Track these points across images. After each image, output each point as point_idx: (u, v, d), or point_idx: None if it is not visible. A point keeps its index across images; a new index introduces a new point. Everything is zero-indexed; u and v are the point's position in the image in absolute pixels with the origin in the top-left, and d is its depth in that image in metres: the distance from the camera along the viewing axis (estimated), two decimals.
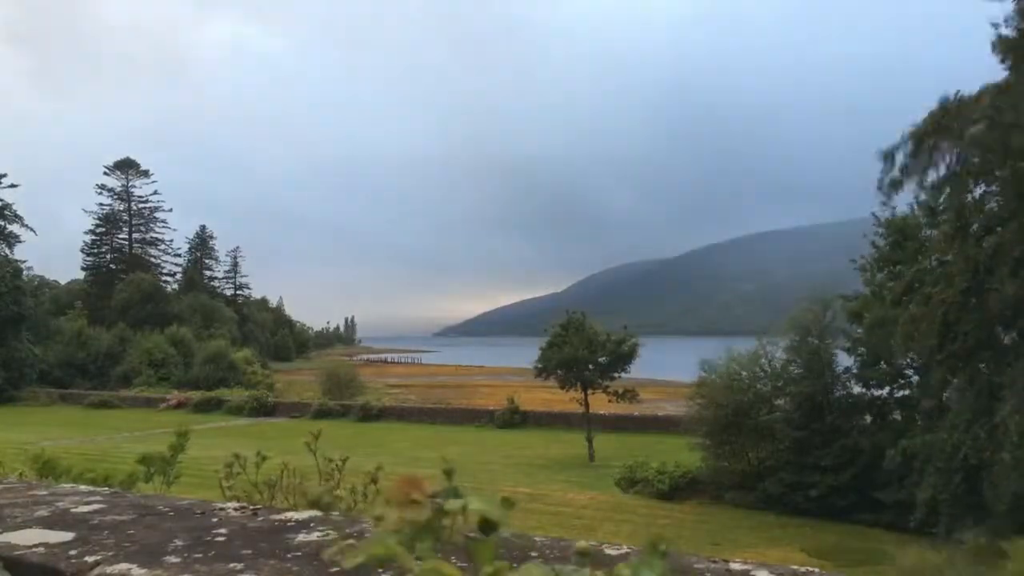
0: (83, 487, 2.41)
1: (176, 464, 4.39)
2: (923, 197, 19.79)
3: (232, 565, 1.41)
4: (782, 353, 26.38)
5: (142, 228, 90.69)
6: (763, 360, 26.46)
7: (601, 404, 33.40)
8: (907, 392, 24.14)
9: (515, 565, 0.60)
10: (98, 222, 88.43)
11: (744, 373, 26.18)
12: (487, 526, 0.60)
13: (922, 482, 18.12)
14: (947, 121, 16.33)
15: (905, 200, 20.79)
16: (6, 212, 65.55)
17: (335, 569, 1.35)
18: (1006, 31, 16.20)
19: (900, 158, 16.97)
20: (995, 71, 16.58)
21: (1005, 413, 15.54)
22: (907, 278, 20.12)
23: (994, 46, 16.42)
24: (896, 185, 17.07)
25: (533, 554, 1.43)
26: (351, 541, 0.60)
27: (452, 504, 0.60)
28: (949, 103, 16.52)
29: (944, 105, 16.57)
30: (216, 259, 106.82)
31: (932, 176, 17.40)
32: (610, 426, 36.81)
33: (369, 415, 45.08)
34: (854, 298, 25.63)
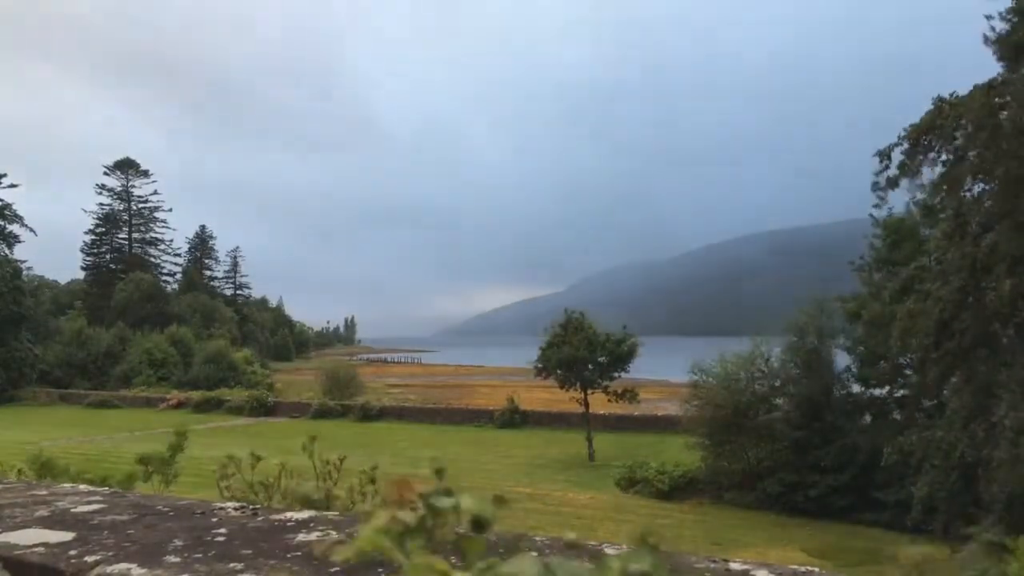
0: (83, 487, 2.41)
1: (174, 464, 4.40)
2: (919, 196, 19.79)
3: (232, 565, 1.41)
4: (778, 353, 26.35)
5: (142, 228, 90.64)
6: (759, 360, 26.44)
7: (601, 404, 33.37)
8: (906, 391, 24.13)
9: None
10: (98, 222, 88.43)
11: (742, 374, 26.15)
12: (479, 524, 0.61)
13: (919, 480, 18.12)
14: (942, 120, 16.31)
15: (902, 200, 20.80)
16: (6, 212, 65.55)
17: (335, 569, 1.35)
18: (1000, 25, 16.13)
19: (896, 157, 16.95)
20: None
21: (1002, 411, 15.51)
22: (905, 276, 20.12)
23: (986, 39, 16.35)
24: (893, 183, 17.04)
25: (532, 553, 1.43)
26: (341, 537, 0.60)
27: (443, 503, 0.61)
28: (943, 102, 16.49)
29: (939, 104, 16.54)
30: (216, 259, 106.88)
31: (929, 175, 17.40)
32: (610, 426, 36.78)
33: (369, 415, 45.06)
34: (852, 299, 25.62)
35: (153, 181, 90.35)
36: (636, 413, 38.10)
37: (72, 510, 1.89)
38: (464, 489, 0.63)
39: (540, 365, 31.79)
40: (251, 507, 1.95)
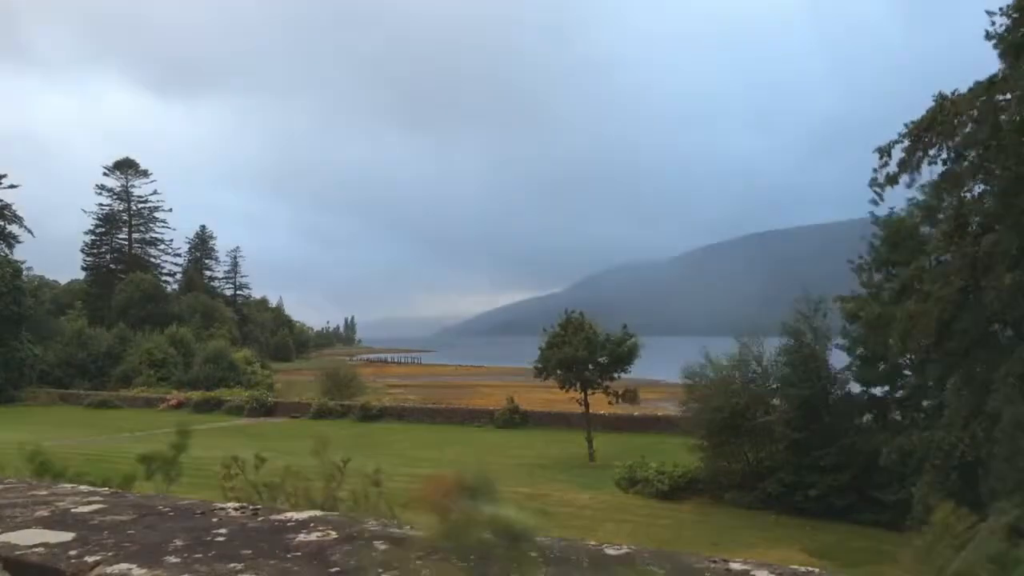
0: (83, 487, 2.41)
1: (178, 464, 4.39)
2: (919, 196, 19.75)
3: (232, 565, 1.41)
4: (773, 354, 26.25)
5: (142, 228, 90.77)
6: (753, 361, 26.35)
7: (601, 404, 33.37)
8: (906, 391, 24.10)
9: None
10: (98, 222, 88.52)
11: (736, 375, 26.08)
12: (517, 536, 0.60)
13: (919, 480, 18.11)
14: (943, 117, 16.27)
15: (902, 200, 20.77)
16: (6, 212, 65.60)
17: (335, 569, 1.35)
18: (1001, 21, 16.07)
19: (896, 153, 16.90)
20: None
21: (998, 405, 15.49)
22: (905, 276, 20.09)
23: (988, 35, 16.29)
24: (892, 180, 17.01)
25: (533, 553, 1.43)
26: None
27: (485, 510, 0.60)
28: (944, 99, 16.45)
29: (939, 101, 16.50)
30: (216, 259, 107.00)
31: (928, 174, 17.37)
32: (610, 426, 36.78)
33: (369, 415, 45.04)
34: (852, 299, 25.56)
35: (152, 181, 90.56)
36: (636, 413, 38.14)
37: (72, 510, 1.89)
38: (501, 495, 0.62)
39: (540, 365, 31.78)
40: (251, 507, 1.95)
